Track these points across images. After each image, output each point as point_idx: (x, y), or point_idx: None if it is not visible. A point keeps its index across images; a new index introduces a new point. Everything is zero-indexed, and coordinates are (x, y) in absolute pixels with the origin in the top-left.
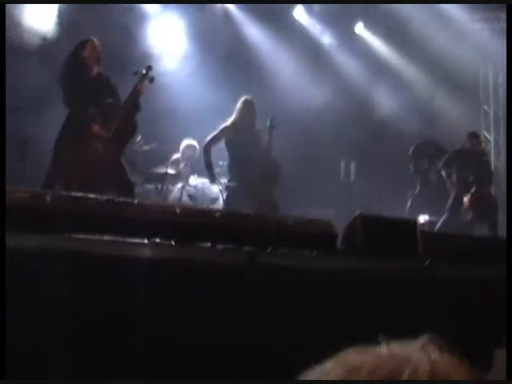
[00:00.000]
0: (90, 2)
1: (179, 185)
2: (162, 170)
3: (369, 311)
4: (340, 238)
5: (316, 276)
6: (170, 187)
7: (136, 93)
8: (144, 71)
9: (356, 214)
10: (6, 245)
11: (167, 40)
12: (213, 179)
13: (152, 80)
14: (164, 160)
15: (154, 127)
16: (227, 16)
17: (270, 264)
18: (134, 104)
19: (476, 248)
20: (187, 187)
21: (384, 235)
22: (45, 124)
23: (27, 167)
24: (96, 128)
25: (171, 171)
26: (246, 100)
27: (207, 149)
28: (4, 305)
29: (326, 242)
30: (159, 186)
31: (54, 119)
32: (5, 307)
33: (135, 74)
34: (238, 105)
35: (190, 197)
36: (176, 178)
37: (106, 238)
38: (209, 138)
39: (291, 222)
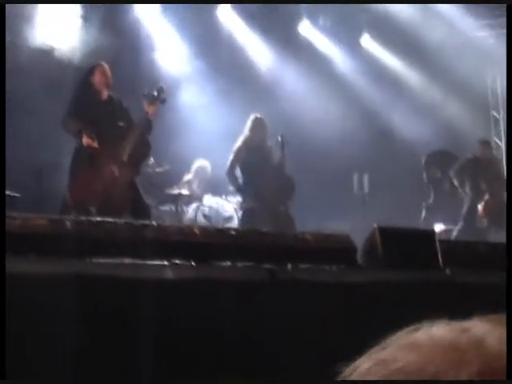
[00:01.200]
0: (91, 2)
1: (193, 205)
2: (175, 191)
3: (393, 323)
4: (359, 252)
5: (337, 290)
6: (185, 208)
7: (148, 115)
8: (155, 93)
9: (373, 226)
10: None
11: (176, 60)
12: (247, 202)
13: (163, 101)
14: (177, 181)
15: (166, 149)
16: (233, 33)
17: (290, 280)
18: (146, 126)
19: (494, 254)
20: (201, 207)
21: (403, 247)
22: (59, 150)
23: (43, 194)
24: (109, 151)
25: (185, 192)
26: (255, 118)
27: (230, 174)
28: (4, 305)
29: (345, 256)
30: (173, 207)
31: (68, 145)
32: (5, 307)
33: (146, 95)
34: (248, 123)
35: (205, 216)
36: (190, 198)
37: (127, 261)
38: (228, 164)
39: (310, 238)
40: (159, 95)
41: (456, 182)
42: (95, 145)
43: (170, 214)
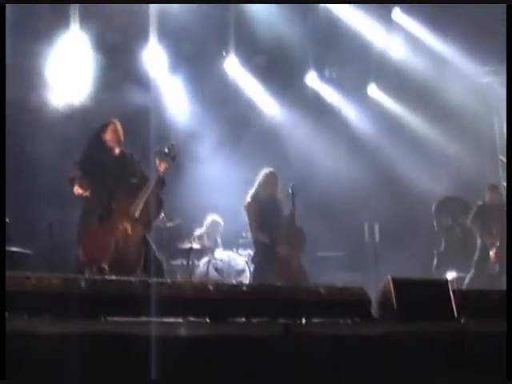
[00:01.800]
0: (91, 2)
1: (205, 259)
2: (186, 245)
3: (410, 376)
4: (373, 304)
5: (352, 343)
6: (196, 262)
7: (159, 172)
8: (166, 150)
9: (387, 278)
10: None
11: (185, 115)
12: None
13: (174, 158)
14: (188, 235)
15: (176, 203)
16: (240, 86)
17: (305, 334)
18: (158, 183)
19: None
20: (213, 261)
21: (417, 298)
22: (69, 205)
23: (55, 250)
24: (122, 208)
25: (196, 246)
26: (267, 172)
27: (258, 235)
28: (4, 305)
29: (359, 309)
30: (185, 262)
31: (77, 199)
32: (5, 308)
33: (157, 152)
34: (260, 177)
35: (217, 270)
36: (201, 252)
37: (142, 319)
38: (250, 228)
39: (323, 291)
40: (170, 152)
41: (473, 229)
42: (86, 194)
43: (182, 268)
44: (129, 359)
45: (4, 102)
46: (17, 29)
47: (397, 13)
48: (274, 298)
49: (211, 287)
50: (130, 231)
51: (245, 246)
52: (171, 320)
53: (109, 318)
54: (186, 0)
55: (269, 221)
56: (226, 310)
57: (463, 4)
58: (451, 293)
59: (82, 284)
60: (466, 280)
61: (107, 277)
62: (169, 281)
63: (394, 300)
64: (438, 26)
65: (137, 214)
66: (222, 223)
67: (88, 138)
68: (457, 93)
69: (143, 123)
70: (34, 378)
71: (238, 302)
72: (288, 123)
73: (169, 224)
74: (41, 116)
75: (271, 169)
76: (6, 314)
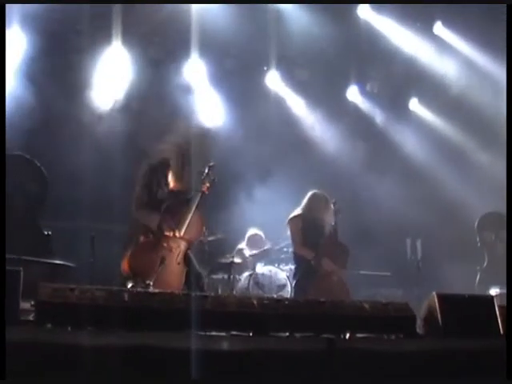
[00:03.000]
0: (92, 2)
1: (246, 273)
2: (228, 259)
3: None
4: (418, 320)
5: (397, 360)
6: (237, 276)
7: (201, 191)
8: (206, 170)
9: (432, 294)
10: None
11: (228, 131)
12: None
13: (214, 179)
14: (229, 249)
15: (218, 218)
16: (280, 100)
17: (349, 349)
18: (200, 202)
19: None
20: (254, 275)
21: (462, 314)
22: (109, 218)
23: (96, 262)
24: (167, 228)
25: (237, 260)
26: (315, 193)
27: (300, 250)
28: (4, 306)
29: (404, 325)
30: (226, 276)
31: (117, 213)
32: (4, 308)
33: (199, 173)
34: (309, 197)
35: (258, 284)
36: (242, 266)
37: (185, 332)
38: (293, 244)
39: (368, 306)
40: (209, 172)
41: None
42: (176, 235)
43: (223, 282)
44: (171, 372)
45: (4, 101)
46: (59, 44)
47: (438, 27)
48: (317, 312)
49: (255, 301)
50: (173, 249)
51: (286, 261)
52: (215, 333)
53: (152, 331)
54: (208, 0)
55: (312, 237)
56: (269, 324)
57: (463, 4)
58: (497, 309)
59: (126, 297)
60: None
61: (150, 290)
62: (212, 294)
63: (439, 316)
64: (480, 39)
65: (181, 233)
66: (263, 236)
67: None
68: (502, 108)
69: (185, 139)
70: None
71: (281, 317)
72: (329, 138)
73: (210, 238)
74: (84, 130)
75: (320, 191)
76: (49, 326)
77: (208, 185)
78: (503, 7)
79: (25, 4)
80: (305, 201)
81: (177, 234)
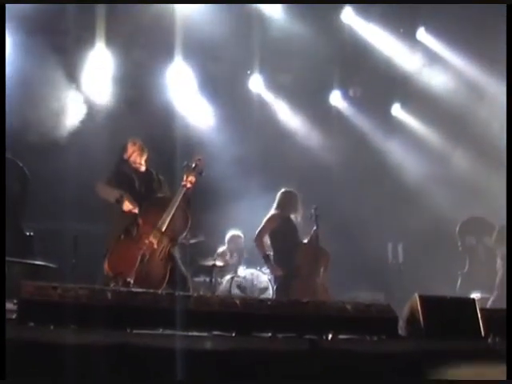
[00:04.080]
0: (92, 2)
1: (228, 276)
2: (209, 262)
3: None
4: (400, 322)
5: (379, 361)
6: (219, 279)
7: (186, 186)
8: (193, 164)
9: (414, 295)
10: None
11: (210, 133)
12: (274, 270)
13: (201, 173)
14: (211, 252)
15: (200, 220)
16: (264, 104)
17: (331, 350)
18: (184, 198)
19: None
20: (236, 278)
21: (444, 316)
22: (93, 218)
23: (79, 262)
24: (148, 223)
25: (219, 263)
26: (286, 191)
27: (259, 242)
28: (4, 306)
29: (386, 326)
30: (208, 279)
31: (100, 213)
32: (4, 308)
33: (185, 167)
34: (280, 195)
35: (240, 287)
36: (224, 269)
37: (167, 331)
38: (257, 232)
39: (350, 308)
40: (197, 167)
41: (496, 250)
42: (135, 211)
43: (205, 285)
44: (153, 372)
45: (4, 101)
46: (42, 44)
47: (421, 32)
48: (300, 313)
49: (238, 301)
50: (155, 245)
51: None
52: (196, 334)
53: (134, 331)
54: (196, 0)
55: (285, 239)
56: (251, 324)
57: (463, 4)
58: (478, 311)
59: (109, 295)
60: (489, 302)
61: (134, 289)
62: (195, 294)
63: (421, 317)
64: (462, 45)
65: (163, 229)
66: (242, 238)
67: (114, 158)
68: (483, 113)
69: (168, 142)
70: None
71: (264, 317)
72: (311, 142)
73: (192, 241)
74: (65, 131)
75: (290, 189)
76: (32, 324)
77: (194, 178)
78: (485, 9)
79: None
80: (276, 200)
81: (159, 230)
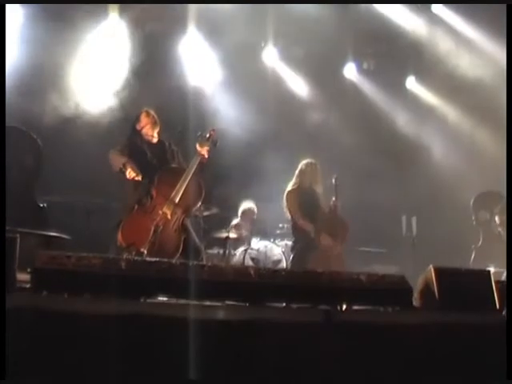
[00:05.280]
0: (93, 2)
1: (241, 248)
2: (223, 234)
3: (451, 366)
4: (414, 293)
5: (393, 332)
6: (232, 251)
7: (201, 157)
8: (208, 135)
9: (429, 267)
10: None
11: (223, 104)
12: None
13: (216, 143)
14: (224, 225)
15: (213, 192)
16: (277, 75)
17: (345, 321)
18: (199, 168)
19: None
20: (249, 250)
21: (459, 288)
22: (107, 194)
23: (92, 236)
24: (135, 176)
25: (233, 235)
26: (308, 163)
27: (302, 224)
28: (4, 306)
29: (401, 297)
30: (221, 251)
31: (112, 186)
32: (5, 308)
33: (199, 137)
34: (300, 167)
35: (253, 259)
36: (237, 241)
37: (181, 301)
38: (290, 217)
39: (364, 278)
40: (211, 137)
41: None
42: (139, 178)
43: (218, 257)
44: (167, 340)
45: (4, 101)
46: (55, 19)
47: (437, 5)
48: (314, 284)
49: (252, 271)
50: (169, 216)
51: (282, 237)
52: (211, 303)
53: (148, 300)
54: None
55: (310, 210)
56: (265, 294)
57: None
58: (493, 283)
59: (122, 265)
60: (503, 276)
61: (148, 258)
62: (209, 264)
63: (435, 289)
64: (480, 18)
65: (177, 200)
66: (255, 209)
67: (127, 129)
68: (498, 87)
69: (182, 113)
70: (72, 356)
71: (278, 287)
72: (325, 115)
73: (206, 213)
74: (78, 104)
75: (311, 160)
76: (45, 293)
77: (208, 148)
78: None
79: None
80: (296, 172)
81: (173, 201)
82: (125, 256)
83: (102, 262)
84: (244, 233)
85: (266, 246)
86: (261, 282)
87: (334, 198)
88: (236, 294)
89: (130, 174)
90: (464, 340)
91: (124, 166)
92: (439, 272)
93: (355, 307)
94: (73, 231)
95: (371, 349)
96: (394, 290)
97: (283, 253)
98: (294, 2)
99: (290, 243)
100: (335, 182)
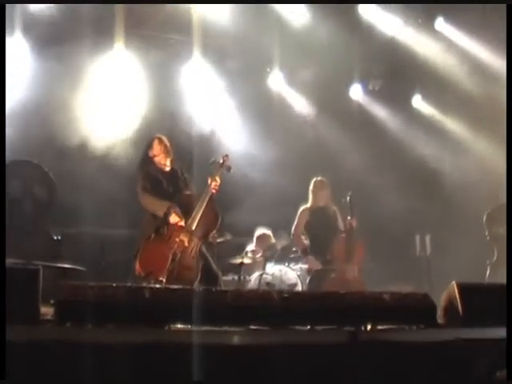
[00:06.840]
0: (95, 2)
1: (256, 273)
2: (237, 260)
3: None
4: (438, 310)
5: (418, 350)
6: (247, 277)
7: (215, 183)
8: (221, 161)
9: (451, 283)
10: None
11: (231, 129)
12: (312, 263)
13: (229, 169)
14: (239, 250)
15: (227, 218)
16: (285, 100)
17: (371, 341)
18: (213, 195)
19: None
20: (264, 275)
21: (483, 303)
22: (119, 224)
23: (107, 265)
24: (179, 221)
25: (247, 261)
26: (317, 180)
27: (296, 238)
28: (4, 305)
29: (425, 315)
30: (236, 277)
31: (125, 217)
32: (5, 308)
33: (212, 163)
34: (311, 187)
35: (268, 284)
36: (252, 267)
37: (205, 328)
38: (293, 228)
39: (388, 298)
40: (224, 163)
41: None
42: (182, 223)
43: (233, 283)
44: (193, 367)
45: (4, 101)
46: (60, 46)
47: (440, 22)
48: (338, 305)
49: (275, 295)
50: (186, 243)
51: (296, 260)
52: (235, 329)
53: (172, 327)
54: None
55: (320, 229)
56: (290, 317)
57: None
58: None
59: (146, 293)
60: None
61: (170, 286)
62: (232, 289)
63: (459, 305)
64: (482, 34)
65: (193, 227)
66: (271, 235)
67: (139, 159)
68: (504, 103)
69: (189, 140)
70: None
71: (302, 310)
72: (332, 137)
73: (219, 239)
74: (86, 135)
75: (320, 177)
76: (68, 324)
77: (221, 174)
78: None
79: (25, 4)
80: (310, 189)
81: (189, 228)
82: (151, 285)
83: (124, 291)
84: (258, 258)
85: (280, 270)
86: (285, 306)
87: (349, 217)
88: (260, 318)
89: (174, 218)
90: (489, 355)
91: (168, 210)
92: (462, 288)
93: (380, 327)
94: (87, 262)
95: (398, 368)
96: (417, 308)
97: (298, 276)
98: (294, 2)
99: (304, 266)
100: (349, 199)
